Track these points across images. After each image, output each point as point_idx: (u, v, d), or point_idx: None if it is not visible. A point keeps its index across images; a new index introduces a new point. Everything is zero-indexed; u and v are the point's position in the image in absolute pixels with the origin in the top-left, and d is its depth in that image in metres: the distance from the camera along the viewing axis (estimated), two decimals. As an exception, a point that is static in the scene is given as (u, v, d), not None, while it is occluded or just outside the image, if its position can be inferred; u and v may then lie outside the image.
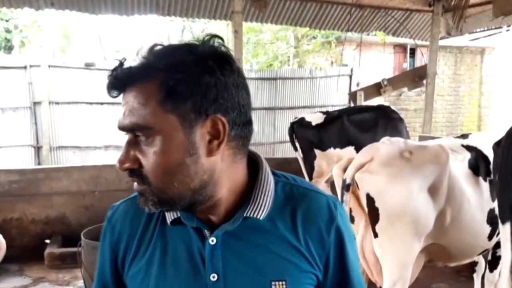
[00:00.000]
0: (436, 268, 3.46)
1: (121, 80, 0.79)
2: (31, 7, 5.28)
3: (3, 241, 4.06)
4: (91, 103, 7.87)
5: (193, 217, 0.87)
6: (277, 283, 0.86)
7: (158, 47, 0.81)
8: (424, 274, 2.82)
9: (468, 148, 2.62)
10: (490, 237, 2.56)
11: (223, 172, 0.84)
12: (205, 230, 0.87)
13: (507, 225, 1.89)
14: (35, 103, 7.66)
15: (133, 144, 0.80)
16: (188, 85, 0.77)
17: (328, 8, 6.29)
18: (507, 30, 10.86)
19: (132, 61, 0.82)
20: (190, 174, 0.80)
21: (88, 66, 7.78)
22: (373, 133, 4.01)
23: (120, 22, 14.60)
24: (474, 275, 3.40)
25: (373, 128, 4.26)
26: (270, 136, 9.24)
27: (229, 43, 12.29)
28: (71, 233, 4.47)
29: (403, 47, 11.16)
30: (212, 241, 0.86)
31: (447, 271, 3.74)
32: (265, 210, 0.87)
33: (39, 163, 7.60)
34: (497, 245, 2.73)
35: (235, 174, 0.87)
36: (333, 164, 3.10)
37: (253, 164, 0.92)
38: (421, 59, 10.85)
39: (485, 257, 2.99)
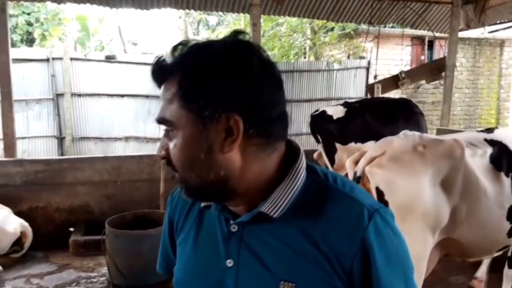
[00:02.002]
0: (454, 262, 3.48)
1: (155, 77, 0.87)
2: (54, 1, 5.39)
3: (30, 229, 4.19)
4: (111, 95, 8.02)
5: (223, 206, 0.92)
6: (286, 283, 0.84)
7: (182, 46, 0.84)
8: (441, 267, 2.81)
9: (491, 142, 2.54)
10: (510, 234, 2.48)
11: (246, 168, 0.84)
12: (230, 216, 0.91)
13: None
14: (57, 95, 7.84)
15: (166, 135, 0.86)
16: (204, 84, 0.79)
17: (346, 1, 6.28)
18: (528, 22, 10.67)
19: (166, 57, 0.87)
20: (205, 168, 0.82)
21: (109, 59, 7.91)
22: (394, 127, 3.88)
23: (136, 15, 14.74)
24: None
25: (394, 122, 4.21)
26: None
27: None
28: (94, 221, 4.57)
29: (421, 39, 11.04)
30: (234, 228, 0.90)
31: (465, 264, 3.74)
32: (280, 210, 0.86)
33: (62, 154, 7.79)
34: None
35: (261, 169, 0.86)
36: (354, 158, 3.10)
37: (292, 159, 0.90)
38: (439, 51, 10.73)
39: (505, 253, 2.94)
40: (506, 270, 2.90)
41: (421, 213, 2.26)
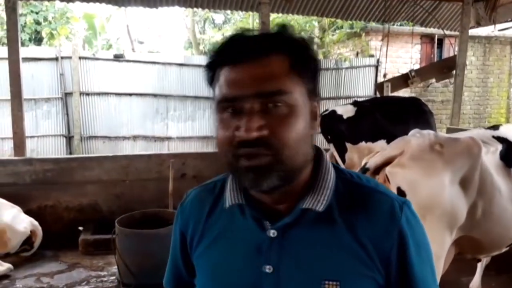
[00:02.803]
0: (466, 261, 3.46)
1: (248, 51, 0.81)
2: (63, 0, 5.40)
3: (40, 228, 4.20)
4: (120, 94, 8.04)
5: (255, 205, 0.89)
6: (330, 282, 0.84)
7: (271, 31, 0.86)
8: (453, 267, 2.80)
9: (499, 139, 2.58)
10: None
11: (311, 154, 0.88)
12: (266, 221, 0.88)
13: None
14: (66, 94, 7.86)
15: (260, 111, 0.80)
16: (312, 65, 0.86)
17: (356, -2, 6.24)
18: (539, 20, 10.54)
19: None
20: (308, 145, 0.84)
21: (117, 58, 7.92)
22: (405, 126, 3.88)
23: (143, 14, 14.77)
24: (478, 264, 3.42)
25: (404, 121, 4.19)
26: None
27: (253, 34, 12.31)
28: (103, 220, 4.57)
29: (430, 37, 10.94)
30: (273, 233, 0.87)
31: (476, 264, 3.71)
32: (324, 202, 0.86)
33: (70, 153, 7.82)
34: None
35: (311, 159, 0.89)
36: (364, 157, 3.10)
37: (316, 157, 0.92)
38: (449, 50, 10.64)
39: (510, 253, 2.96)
40: None
41: (441, 212, 2.26)
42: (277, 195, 0.86)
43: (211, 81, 0.88)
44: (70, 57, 7.79)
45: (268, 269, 0.86)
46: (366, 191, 0.90)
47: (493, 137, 2.61)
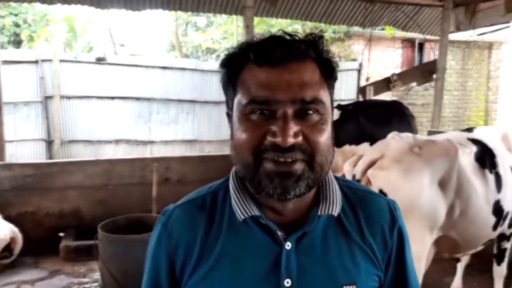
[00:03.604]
0: (447, 262, 3.51)
1: (286, 52, 0.79)
2: (44, 2, 5.31)
3: (20, 235, 4.10)
4: (102, 98, 7.93)
5: (267, 217, 0.85)
6: (348, 287, 0.85)
7: (296, 35, 0.84)
8: (435, 268, 2.85)
9: (474, 141, 2.67)
10: (494, 228, 2.62)
11: None
12: (279, 233, 0.85)
13: None
14: (46, 98, 7.73)
15: (296, 117, 0.78)
16: (336, 69, 0.86)
17: (339, 3, 6.29)
18: (516, 25, 10.80)
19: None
20: (332, 152, 0.84)
21: (99, 60, 7.82)
22: (388, 129, 3.94)
23: (125, 16, 14.64)
24: (458, 264, 3.49)
25: (387, 124, 4.24)
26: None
27: (237, 37, 12.21)
28: (85, 226, 4.50)
29: (411, 41, 11.11)
30: (288, 246, 0.84)
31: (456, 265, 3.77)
32: (337, 206, 0.87)
33: (50, 157, 7.68)
34: (502, 237, 2.86)
35: None
36: (348, 160, 3.13)
37: None
38: (429, 54, 10.82)
39: (491, 252, 3.03)
40: (495, 268, 3.00)
41: (421, 212, 2.32)
42: (295, 203, 0.84)
43: (233, 78, 0.84)
44: (50, 60, 7.66)
45: (286, 282, 0.83)
46: (362, 194, 0.95)
47: (468, 139, 2.69)
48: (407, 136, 2.58)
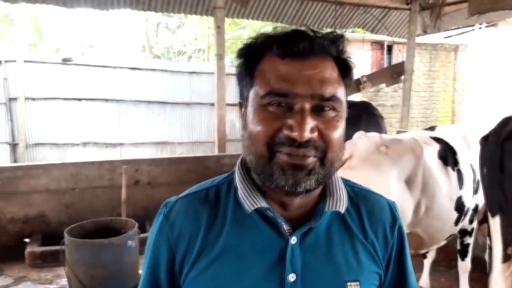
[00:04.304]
0: (414, 258, 3.57)
1: (308, 47, 0.79)
2: (6, 1, 5.14)
3: (-18, 241, 3.96)
4: (68, 99, 7.71)
5: (274, 211, 0.86)
6: (352, 283, 0.86)
7: (317, 32, 0.83)
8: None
9: (437, 139, 2.75)
10: (456, 223, 2.71)
11: None
12: (285, 226, 0.85)
13: (497, 218, 1.96)
14: (10, 99, 7.45)
15: (313, 112, 0.79)
16: (352, 74, 0.86)
17: (309, 5, 6.34)
18: (480, 28, 11.16)
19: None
20: (342, 152, 0.84)
21: (66, 61, 7.61)
22: (357, 129, 4.01)
23: (94, 16, 14.35)
24: (425, 261, 3.57)
25: (357, 124, 4.31)
26: (251, 132, 9.25)
27: (208, 39, 12.10)
28: (51, 231, 4.38)
29: (380, 44, 11.32)
30: (294, 240, 0.85)
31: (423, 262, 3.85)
32: (344, 203, 0.88)
33: (15, 161, 7.42)
34: (464, 233, 2.95)
35: None
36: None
37: None
38: (397, 56, 11.04)
39: (456, 248, 3.13)
40: (459, 263, 3.09)
41: None
42: (302, 199, 0.85)
43: (250, 68, 0.84)
44: (14, 61, 7.40)
45: (291, 277, 0.83)
46: (364, 193, 0.97)
47: (431, 137, 2.77)
48: (374, 135, 2.63)
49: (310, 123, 0.77)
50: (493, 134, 1.91)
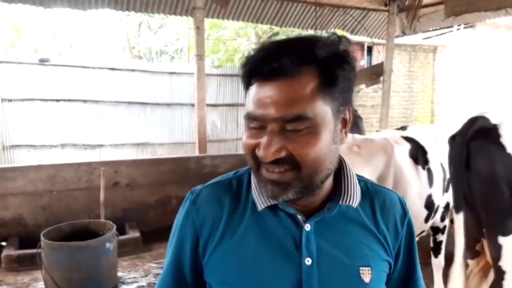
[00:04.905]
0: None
1: (275, 69, 0.80)
2: (-19, -1, 5.04)
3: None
4: (46, 100, 7.59)
5: (287, 204, 0.92)
6: (364, 268, 0.92)
7: (305, 38, 0.85)
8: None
9: (408, 139, 2.82)
10: (426, 220, 2.79)
11: (337, 161, 0.93)
12: (299, 217, 0.92)
13: (461, 214, 2.02)
14: (-15, 101, 7.32)
15: (278, 133, 0.81)
16: (343, 79, 0.84)
17: (289, 6, 6.37)
18: (458, 30, 11.37)
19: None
20: (332, 160, 0.87)
21: (43, 61, 7.49)
22: None
23: (74, 16, 14.17)
24: None
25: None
26: (233, 132, 9.25)
27: (189, 39, 12.05)
28: (28, 234, 4.32)
29: (360, 45, 11.43)
30: (308, 227, 0.92)
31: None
32: (357, 199, 0.95)
33: (-9, 163, 7.28)
34: (436, 230, 3.02)
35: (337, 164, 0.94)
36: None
37: None
38: (377, 57, 11.17)
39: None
40: (433, 260, 3.17)
41: None
42: (310, 197, 0.91)
43: (247, 88, 0.88)
44: (-10, 61, 7.27)
45: (307, 261, 0.90)
46: (377, 188, 1.03)
47: (402, 137, 2.83)
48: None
49: (274, 145, 0.81)
50: (460, 134, 1.96)
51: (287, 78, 0.80)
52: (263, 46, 0.84)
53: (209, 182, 1.02)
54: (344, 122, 0.90)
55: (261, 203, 0.93)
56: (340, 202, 0.93)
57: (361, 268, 0.92)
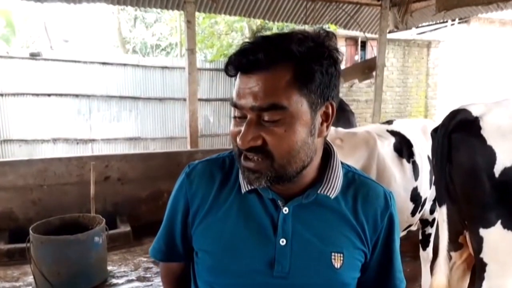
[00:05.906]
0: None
1: (252, 62, 0.86)
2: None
3: None
4: (37, 95, 7.55)
5: (268, 189, 0.98)
6: (336, 254, 0.97)
7: (285, 35, 0.89)
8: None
9: (393, 133, 2.83)
10: (413, 214, 2.80)
11: (318, 153, 0.98)
12: (279, 201, 0.98)
13: (444, 207, 2.03)
14: (-23, 95, 7.28)
15: (255, 123, 0.87)
16: (320, 73, 0.88)
17: (281, 0, 6.35)
18: (452, 25, 11.39)
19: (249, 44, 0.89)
20: (307, 153, 0.91)
21: (34, 56, 7.44)
22: None
23: (68, 10, 14.08)
24: None
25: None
26: (226, 127, 9.23)
27: (181, 33, 12.02)
28: (19, 228, 4.31)
29: (354, 39, 11.43)
30: (286, 210, 0.98)
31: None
32: (336, 190, 1.00)
33: (-18, 158, 7.24)
34: (425, 223, 3.03)
35: (319, 155, 1.00)
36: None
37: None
38: (371, 52, 11.17)
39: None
40: (421, 252, 3.18)
41: None
42: (287, 185, 0.96)
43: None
44: (-19, 56, 7.22)
45: (281, 241, 0.96)
46: (364, 180, 1.06)
47: (387, 131, 2.84)
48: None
49: (250, 133, 0.87)
50: (441, 126, 1.98)
51: (264, 71, 0.86)
52: (247, 41, 0.90)
53: (205, 158, 1.10)
54: (326, 116, 0.93)
55: (244, 187, 1.00)
56: (318, 191, 0.98)
57: (333, 253, 0.97)
